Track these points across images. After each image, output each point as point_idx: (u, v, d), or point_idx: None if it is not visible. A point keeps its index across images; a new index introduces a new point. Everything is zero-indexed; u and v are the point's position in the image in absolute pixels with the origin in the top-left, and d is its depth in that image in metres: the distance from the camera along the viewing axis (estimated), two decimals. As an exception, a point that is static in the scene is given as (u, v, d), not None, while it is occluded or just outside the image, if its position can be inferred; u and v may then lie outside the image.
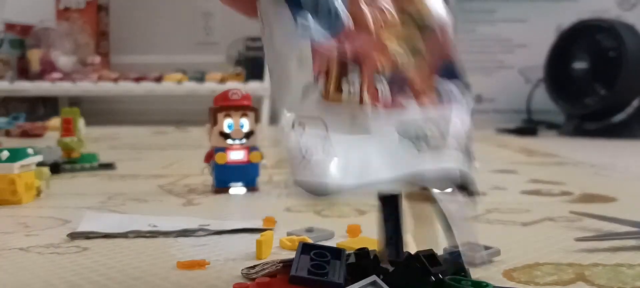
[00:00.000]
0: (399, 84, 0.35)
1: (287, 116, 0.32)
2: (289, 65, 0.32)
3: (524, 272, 0.44)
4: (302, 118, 0.32)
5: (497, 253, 0.47)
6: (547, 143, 1.60)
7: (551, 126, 1.98)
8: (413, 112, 0.35)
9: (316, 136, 0.32)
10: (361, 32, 0.33)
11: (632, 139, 1.67)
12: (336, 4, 0.33)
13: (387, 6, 0.35)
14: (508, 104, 2.18)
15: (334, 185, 0.31)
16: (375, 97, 0.33)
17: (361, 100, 0.33)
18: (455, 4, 2.19)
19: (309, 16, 0.32)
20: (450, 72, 0.37)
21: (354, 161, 0.32)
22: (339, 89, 0.33)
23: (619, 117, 1.79)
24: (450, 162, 0.35)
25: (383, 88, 0.34)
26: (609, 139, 1.67)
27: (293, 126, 0.32)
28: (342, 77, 0.33)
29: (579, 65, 1.82)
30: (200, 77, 2.32)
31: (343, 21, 0.33)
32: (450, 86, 0.37)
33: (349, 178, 0.32)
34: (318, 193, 0.32)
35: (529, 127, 1.94)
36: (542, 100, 1.99)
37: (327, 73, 0.32)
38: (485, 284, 0.35)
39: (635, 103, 1.78)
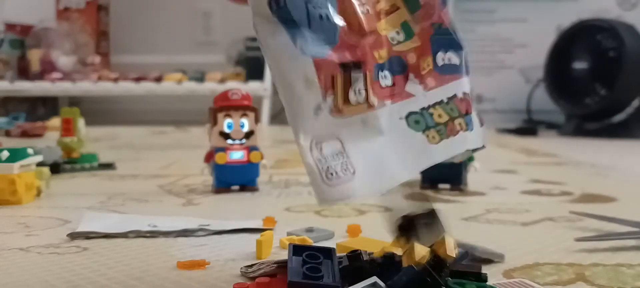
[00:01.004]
0: (401, 70, 0.36)
1: (302, 138, 0.33)
2: (297, 89, 0.33)
3: (524, 271, 0.44)
4: (318, 138, 0.33)
5: (501, 257, 0.47)
6: (547, 143, 1.60)
7: (551, 126, 1.98)
8: (419, 99, 0.36)
9: (334, 154, 0.33)
10: (354, 30, 0.34)
11: (632, 138, 1.67)
12: (327, 9, 0.33)
13: None
14: (508, 104, 2.18)
15: (356, 198, 0.32)
16: (380, 93, 0.34)
17: (368, 103, 0.34)
18: (455, 4, 2.19)
19: (306, 33, 0.32)
20: (444, 40, 0.38)
21: (373, 170, 0.33)
22: (347, 100, 0.33)
23: (619, 117, 1.79)
24: (457, 146, 0.36)
25: (386, 80, 0.35)
26: (609, 139, 1.67)
27: (310, 148, 0.32)
28: (347, 88, 0.33)
29: (579, 65, 1.82)
30: (200, 77, 2.31)
31: (336, 25, 0.33)
32: (447, 55, 0.38)
33: (370, 188, 0.33)
34: (342, 202, 0.33)
35: (529, 127, 1.94)
36: (542, 100, 1.99)
37: (334, 87, 0.33)
38: (489, 287, 0.35)
39: (635, 103, 1.78)
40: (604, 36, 1.78)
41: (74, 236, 0.54)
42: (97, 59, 2.45)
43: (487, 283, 0.36)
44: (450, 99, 0.37)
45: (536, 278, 0.43)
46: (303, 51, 0.32)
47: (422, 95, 0.36)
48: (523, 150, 1.38)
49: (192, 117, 2.51)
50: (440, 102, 0.37)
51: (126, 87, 2.31)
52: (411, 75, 0.36)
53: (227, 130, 0.77)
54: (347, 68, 0.33)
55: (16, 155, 0.70)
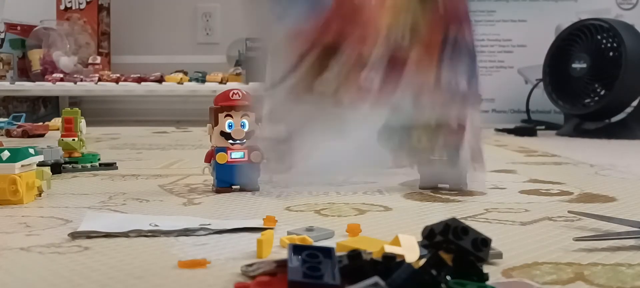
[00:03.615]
0: (393, 77, 0.31)
1: (268, 102, 0.32)
2: (266, 54, 0.31)
3: (523, 271, 0.44)
4: (272, 112, 0.32)
5: (499, 256, 0.47)
6: (546, 143, 1.60)
7: (550, 126, 1.98)
8: (404, 114, 0.32)
9: (277, 140, 0.31)
10: (347, 8, 0.30)
11: (631, 139, 1.67)
12: None
13: None
14: (507, 103, 2.19)
15: (291, 180, 0.31)
16: (357, 94, 0.31)
17: (336, 99, 0.30)
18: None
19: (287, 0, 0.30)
20: (457, 62, 0.33)
21: (315, 166, 0.31)
22: (310, 87, 0.31)
23: (618, 117, 1.79)
24: (425, 177, 0.34)
25: (371, 82, 0.31)
26: (608, 139, 1.67)
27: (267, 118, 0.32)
28: (315, 74, 0.30)
29: (579, 65, 1.82)
30: (201, 78, 2.32)
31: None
32: (456, 78, 0.33)
33: (301, 181, 0.32)
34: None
35: (528, 127, 1.94)
36: (542, 100, 1.99)
37: (300, 66, 0.30)
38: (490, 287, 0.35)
39: (634, 103, 1.78)
40: (603, 36, 1.78)
41: (75, 235, 0.54)
42: (98, 59, 2.45)
43: (488, 282, 0.37)
44: (440, 124, 0.33)
45: (535, 277, 0.43)
46: (279, 18, 0.30)
47: (408, 110, 0.32)
48: (522, 150, 1.38)
49: (193, 117, 2.51)
50: (426, 126, 0.32)
51: (127, 87, 2.32)
52: (404, 87, 0.32)
53: (228, 130, 0.77)
54: (322, 51, 0.30)
55: (17, 155, 0.70)
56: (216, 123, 0.77)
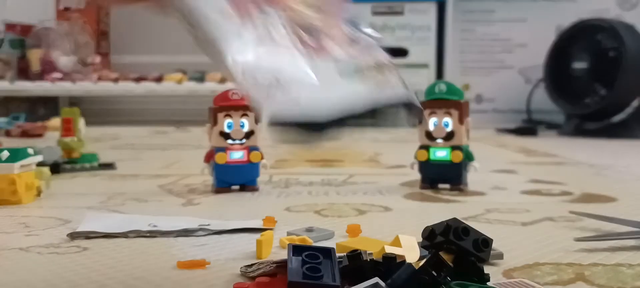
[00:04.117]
0: (314, 33, 0.36)
1: (231, 59, 0.33)
2: (214, 17, 0.34)
3: (524, 271, 0.44)
4: (250, 65, 0.33)
5: (500, 256, 0.47)
6: (547, 143, 1.60)
7: (551, 126, 1.98)
8: (341, 54, 0.36)
9: (267, 84, 0.33)
10: None
11: (632, 138, 1.67)
12: None
13: None
14: (508, 103, 2.18)
15: (309, 111, 0.32)
16: (302, 45, 0.34)
17: (290, 46, 0.34)
18: (454, 3, 2.19)
19: None
20: (354, 23, 0.38)
21: (309, 96, 0.33)
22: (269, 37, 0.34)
23: (619, 117, 1.79)
24: (396, 86, 0.36)
25: (304, 34, 0.35)
26: (608, 139, 1.67)
27: (242, 72, 0.33)
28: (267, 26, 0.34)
29: (579, 65, 1.82)
30: (200, 77, 2.32)
31: None
32: (360, 32, 0.38)
33: (320, 106, 0.33)
34: (295, 123, 0.32)
35: (528, 127, 1.94)
36: (542, 100, 1.99)
37: (252, 19, 0.34)
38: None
39: (635, 103, 1.78)
40: (603, 36, 1.78)
41: (74, 236, 0.54)
42: (97, 59, 2.45)
43: (488, 283, 0.37)
44: (371, 55, 0.37)
45: (536, 278, 0.43)
46: None
47: (343, 53, 0.36)
48: (523, 150, 1.38)
49: (192, 117, 2.51)
50: (362, 57, 0.37)
51: (126, 87, 2.31)
52: (325, 38, 0.36)
53: (227, 130, 0.77)
54: (263, 10, 0.34)
55: (16, 155, 0.70)
56: (215, 123, 0.77)
